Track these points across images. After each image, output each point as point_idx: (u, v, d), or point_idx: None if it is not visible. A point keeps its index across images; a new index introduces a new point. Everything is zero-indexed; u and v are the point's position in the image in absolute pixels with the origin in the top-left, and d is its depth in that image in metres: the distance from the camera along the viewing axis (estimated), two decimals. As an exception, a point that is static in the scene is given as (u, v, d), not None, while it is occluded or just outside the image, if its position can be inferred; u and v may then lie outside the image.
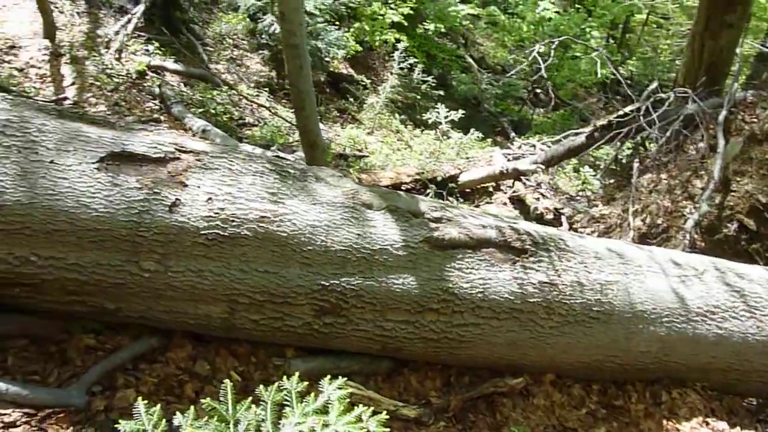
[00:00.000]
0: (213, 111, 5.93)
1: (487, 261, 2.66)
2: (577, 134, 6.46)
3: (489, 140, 7.54)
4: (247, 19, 7.46)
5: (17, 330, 2.33)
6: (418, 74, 8.05)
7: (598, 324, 2.84)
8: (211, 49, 7.58)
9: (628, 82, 8.14)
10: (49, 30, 6.15)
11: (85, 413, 2.22)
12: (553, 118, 9.51)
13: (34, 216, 2.14)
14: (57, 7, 6.63)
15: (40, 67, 5.94)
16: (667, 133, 5.00)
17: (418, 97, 8.24)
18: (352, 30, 8.32)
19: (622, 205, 5.57)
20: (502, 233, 2.74)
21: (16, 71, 5.72)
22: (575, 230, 5.45)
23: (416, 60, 7.99)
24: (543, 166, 5.64)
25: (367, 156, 6.23)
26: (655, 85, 5.65)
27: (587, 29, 10.00)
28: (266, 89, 7.07)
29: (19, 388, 2.14)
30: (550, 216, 5.16)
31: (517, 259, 2.73)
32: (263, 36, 7.21)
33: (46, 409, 2.18)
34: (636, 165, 5.51)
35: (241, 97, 6.45)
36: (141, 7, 7.09)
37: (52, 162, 2.19)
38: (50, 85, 5.77)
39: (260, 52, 7.62)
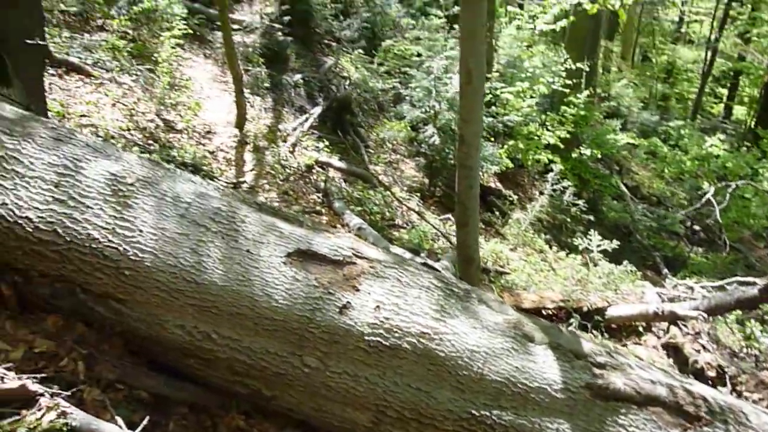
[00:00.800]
0: (368, 210, 6.27)
1: (653, 422, 2.41)
2: (744, 284, 5.89)
3: (639, 273, 7.10)
4: (409, 128, 7.98)
5: (185, 397, 2.50)
6: (569, 196, 7.95)
7: None
8: (372, 151, 8.16)
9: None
10: (240, 121, 7.04)
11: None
12: (713, 259, 8.77)
13: (223, 297, 2.34)
14: (249, 102, 7.59)
15: (227, 152, 6.76)
16: None
17: (567, 219, 8.09)
18: (505, 147, 8.53)
19: (801, 374, 4.87)
20: (673, 393, 2.49)
21: (208, 153, 6.55)
22: (739, 393, 4.80)
23: (569, 183, 7.93)
24: (705, 314, 5.13)
25: (509, 273, 6.13)
26: None
27: (760, 170, 9.33)
28: (417, 194, 7.37)
29: (176, 458, 2.26)
30: (711, 373, 4.61)
31: (689, 426, 2.45)
32: (422, 145, 7.64)
33: (195, 483, 2.27)
34: (821, 331, 4.85)
35: (393, 198, 6.78)
36: (318, 109, 7.92)
37: (248, 251, 2.42)
38: (233, 168, 6.51)
39: (416, 158, 8.06)
